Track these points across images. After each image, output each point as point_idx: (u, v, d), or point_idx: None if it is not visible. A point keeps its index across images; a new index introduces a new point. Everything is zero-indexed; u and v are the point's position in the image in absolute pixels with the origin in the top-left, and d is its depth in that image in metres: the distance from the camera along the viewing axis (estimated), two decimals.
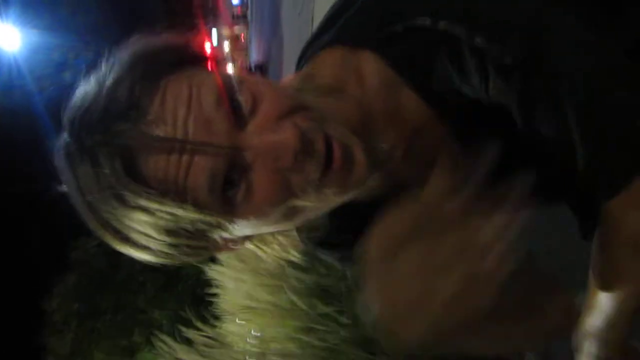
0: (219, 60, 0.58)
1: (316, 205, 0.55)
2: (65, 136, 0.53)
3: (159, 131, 0.49)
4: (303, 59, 0.66)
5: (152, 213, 0.50)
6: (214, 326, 3.01)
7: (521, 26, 0.51)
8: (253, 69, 19.08)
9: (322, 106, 0.56)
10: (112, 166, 0.49)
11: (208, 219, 0.52)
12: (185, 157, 0.50)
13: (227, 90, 0.52)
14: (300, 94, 0.58)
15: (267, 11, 17.24)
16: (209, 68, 0.56)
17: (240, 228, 0.56)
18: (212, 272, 3.36)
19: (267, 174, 0.52)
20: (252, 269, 2.86)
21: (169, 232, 0.51)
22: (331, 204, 0.57)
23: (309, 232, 0.71)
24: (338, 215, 0.62)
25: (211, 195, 0.51)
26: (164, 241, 0.52)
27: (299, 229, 0.69)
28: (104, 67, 0.53)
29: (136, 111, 0.50)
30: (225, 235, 0.56)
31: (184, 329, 2.88)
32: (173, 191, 0.50)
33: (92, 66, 0.55)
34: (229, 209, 0.53)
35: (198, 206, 0.51)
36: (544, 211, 0.71)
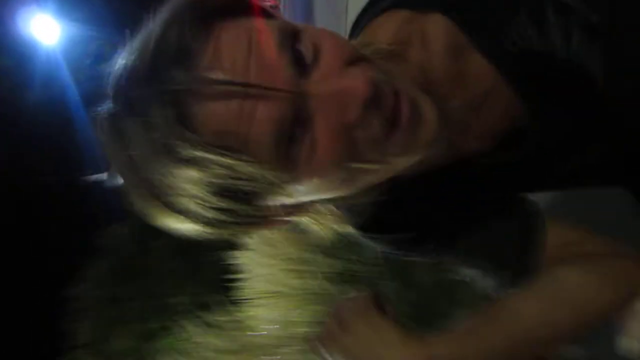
0: (272, 13, 0.53)
1: (379, 168, 0.52)
2: (109, 104, 0.50)
3: (216, 75, 0.46)
4: (358, 27, 0.64)
5: (207, 167, 0.45)
6: (240, 311, 3.00)
7: None
8: None
9: (386, 65, 0.52)
10: (163, 115, 0.45)
11: (269, 175, 0.47)
12: (247, 104, 0.45)
13: (289, 37, 0.48)
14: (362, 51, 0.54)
15: (300, 3, 17.31)
16: (263, 16, 0.52)
17: (300, 191, 0.51)
18: (242, 257, 3.36)
19: (332, 126, 0.48)
20: (282, 253, 2.85)
21: (223, 192, 0.47)
22: (395, 168, 0.52)
23: (356, 213, 0.67)
24: (390, 193, 0.58)
25: (276, 149, 0.47)
26: (216, 205, 0.48)
27: (346, 210, 0.65)
28: (145, 28, 0.49)
29: (188, 55, 0.46)
30: (281, 201, 0.52)
31: (209, 314, 2.88)
32: (233, 142, 0.46)
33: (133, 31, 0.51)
34: (291, 167, 0.48)
35: (259, 160, 0.46)
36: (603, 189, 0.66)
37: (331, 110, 0.47)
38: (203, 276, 7.29)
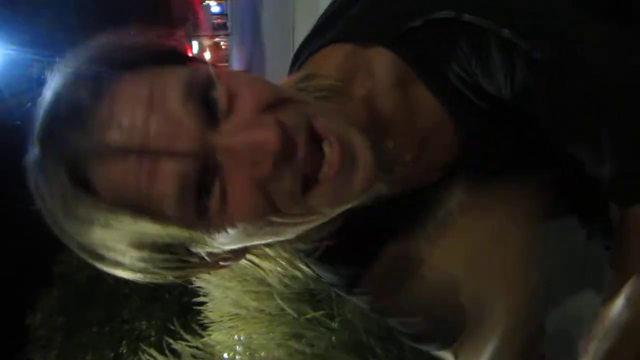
0: (190, 56, 0.51)
1: (307, 219, 0.49)
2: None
3: (112, 135, 0.43)
4: (298, 61, 0.61)
5: (112, 227, 0.44)
6: (201, 336, 2.96)
7: (550, 22, 0.50)
8: None
9: (319, 103, 0.51)
10: (58, 177, 0.44)
11: (177, 232, 0.45)
12: (146, 163, 0.43)
13: (198, 85, 0.45)
14: (290, 88, 0.53)
15: (248, 21, 17.25)
16: (173, 64, 0.48)
17: (222, 242, 0.48)
18: (198, 280, 3.32)
19: (242, 181, 0.45)
20: (238, 275, 2.84)
21: (140, 247, 0.45)
22: (328, 215, 0.50)
23: (305, 244, 0.62)
24: (341, 225, 0.56)
25: (182, 205, 0.44)
26: (138, 257, 0.46)
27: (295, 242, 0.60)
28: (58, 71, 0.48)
29: (83, 114, 0.43)
30: (210, 249, 0.50)
31: (171, 340, 2.84)
32: (134, 202, 0.43)
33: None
34: (203, 220, 0.45)
35: (166, 218, 0.44)
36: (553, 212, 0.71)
37: (240, 164, 0.44)
38: (163, 300, 7.17)
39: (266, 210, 0.46)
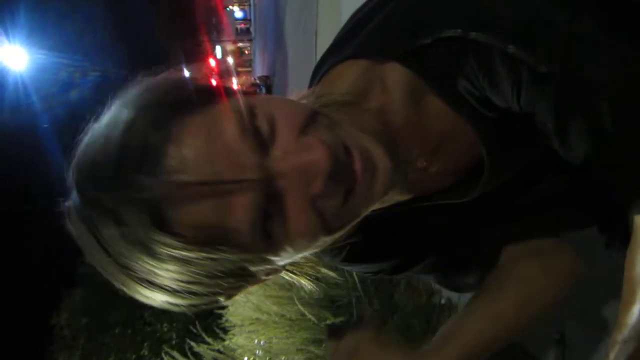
0: (228, 88, 0.53)
1: (347, 226, 0.53)
2: (75, 197, 0.48)
3: (185, 177, 0.45)
4: (318, 74, 0.64)
5: (190, 263, 0.46)
6: (222, 339, 2.99)
7: (554, 36, 0.51)
8: (257, 82, 19.24)
9: (338, 116, 0.54)
10: (139, 220, 0.44)
11: (252, 256, 0.49)
12: (221, 199, 0.45)
13: (245, 119, 0.48)
14: (311, 105, 0.56)
15: (271, 26, 17.39)
16: (221, 100, 0.51)
17: (279, 259, 0.52)
18: None
19: (300, 200, 0.48)
20: None
21: (209, 276, 0.48)
22: (359, 217, 0.54)
23: (332, 249, 0.70)
24: (362, 228, 0.59)
25: (254, 232, 0.47)
26: (204, 284, 0.48)
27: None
28: (108, 114, 0.49)
29: (154, 159, 0.45)
30: (269, 266, 0.53)
31: (193, 343, 2.87)
32: (213, 235, 0.46)
33: (95, 112, 0.51)
34: (270, 243, 0.49)
35: (240, 246, 0.47)
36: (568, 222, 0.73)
37: (298, 184, 0.48)
38: None
39: (320, 226, 0.50)
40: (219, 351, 2.72)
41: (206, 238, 0.46)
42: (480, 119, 0.56)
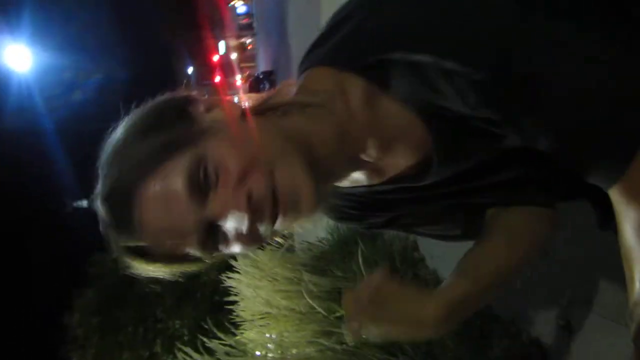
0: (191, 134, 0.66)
1: (284, 232, 0.70)
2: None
3: (146, 232, 0.65)
4: (302, 67, 0.75)
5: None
6: (233, 334, 3.02)
7: (489, 43, 0.56)
8: (261, 77, 19.24)
9: (283, 151, 0.65)
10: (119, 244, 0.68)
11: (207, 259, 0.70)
12: (174, 241, 0.66)
13: (194, 174, 0.63)
14: (289, 100, 0.70)
15: (274, 21, 17.38)
16: (176, 155, 0.64)
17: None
18: (229, 280, 3.38)
19: (234, 233, 0.65)
20: (268, 275, 2.88)
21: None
22: (300, 222, 0.68)
23: (327, 212, 0.86)
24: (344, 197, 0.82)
25: (205, 253, 0.67)
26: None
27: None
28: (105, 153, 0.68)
29: (126, 220, 0.64)
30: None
31: (204, 338, 2.90)
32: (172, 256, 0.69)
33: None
34: (219, 252, 0.68)
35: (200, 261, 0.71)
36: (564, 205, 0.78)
37: (230, 223, 0.64)
38: (194, 299, 7.29)
39: (257, 242, 0.67)
40: (230, 346, 2.75)
41: (167, 260, 0.69)
42: (431, 117, 0.64)
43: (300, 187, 0.63)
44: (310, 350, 2.54)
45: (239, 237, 0.65)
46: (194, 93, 0.72)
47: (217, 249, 0.67)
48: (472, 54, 0.57)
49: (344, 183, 0.78)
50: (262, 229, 0.65)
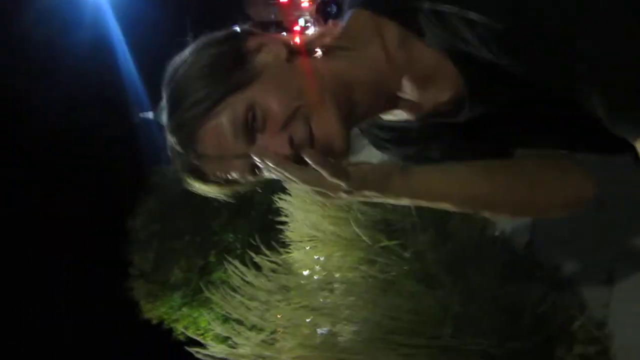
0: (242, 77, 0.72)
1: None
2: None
3: (202, 166, 0.75)
4: (348, 5, 0.79)
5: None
6: (279, 253, 3.15)
7: None
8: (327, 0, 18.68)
9: (316, 91, 0.71)
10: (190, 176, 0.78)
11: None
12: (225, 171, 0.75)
13: (241, 120, 0.70)
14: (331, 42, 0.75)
15: None
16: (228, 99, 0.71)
17: None
18: (282, 202, 3.49)
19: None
20: (319, 200, 2.95)
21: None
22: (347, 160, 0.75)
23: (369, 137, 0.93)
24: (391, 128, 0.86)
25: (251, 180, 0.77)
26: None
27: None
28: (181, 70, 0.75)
29: (192, 151, 0.74)
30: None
31: (253, 254, 3.04)
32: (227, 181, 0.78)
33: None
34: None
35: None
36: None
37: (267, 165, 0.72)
38: (248, 216, 7.56)
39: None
40: (276, 263, 2.88)
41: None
42: (460, 58, 0.67)
43: (334, 136, 0.71)
44: (352, 275, 2.64)
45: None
46: (249, 27, 0.78)
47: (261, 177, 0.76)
48: (493, 4, 0.59)
49: (390, 117, 0.83)
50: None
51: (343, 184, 0.72)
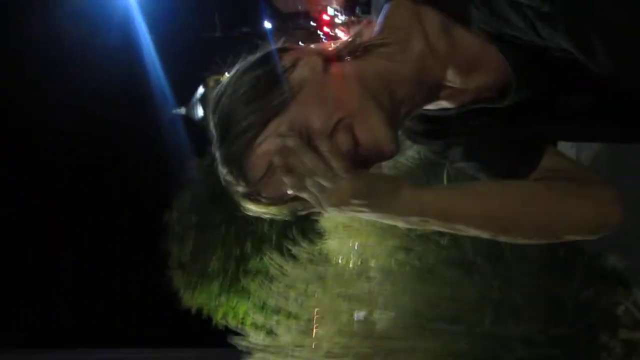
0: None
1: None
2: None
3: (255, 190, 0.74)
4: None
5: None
6: (315, 244, 3.17)
7: None
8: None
9: (356, 97, 0.70)
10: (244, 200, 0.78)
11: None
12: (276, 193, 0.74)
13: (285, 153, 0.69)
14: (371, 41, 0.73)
15: None
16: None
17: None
18: None
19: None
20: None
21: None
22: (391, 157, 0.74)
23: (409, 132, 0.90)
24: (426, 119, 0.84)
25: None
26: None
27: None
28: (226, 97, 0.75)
29: (244, 180, 0.74)
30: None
31: (289, 245, 3.07)
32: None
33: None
34: None
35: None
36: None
37: None
38: None
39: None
40: (313, 255, 2.91)
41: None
42: (505, 43, 0.66)
43: (381, 140, 0.69)
44: (389, 262, 2.64)
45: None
46: (283, 44, 0.77)
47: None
48: None
49: (429, 106, 0.80)
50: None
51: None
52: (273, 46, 0.77)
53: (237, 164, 0.73)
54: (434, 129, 0.86)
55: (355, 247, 2.96)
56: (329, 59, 0.73)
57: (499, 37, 0.65)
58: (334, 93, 0.71)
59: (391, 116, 0.71)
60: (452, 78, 0.74)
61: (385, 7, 0.75)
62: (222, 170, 0.76)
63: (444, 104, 0.79)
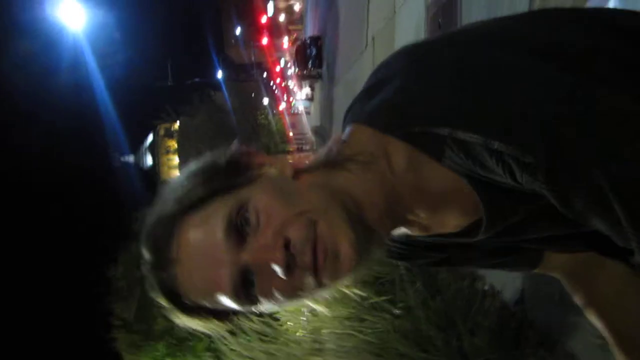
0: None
1: (322, 288, 0.67)
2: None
3: (179, 268, 0.66)
4: (346, 119, 0.75)
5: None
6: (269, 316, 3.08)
7: (538, 123, 0.53)
8: (308, 42, 19.03)
9: (325, 207, 0.66)
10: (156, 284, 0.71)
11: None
12: (208, 280, 0.67)
13: (234, 219, 0.65)
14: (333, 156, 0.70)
15: None
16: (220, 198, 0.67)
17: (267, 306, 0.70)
18: None
19: (270, 279, 0.64)
20: None
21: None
22: (339, 281, 0.68)
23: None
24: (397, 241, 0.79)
25: (237, 299, 0.67)
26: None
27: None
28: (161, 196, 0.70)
29: (164, 251, 0.67)
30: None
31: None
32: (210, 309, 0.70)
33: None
34: (251, 303, 0.68)
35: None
36: None
37: (263, 270, 0.65)
38: None
39: (292, 290, 0.66)
40: (263, 331, 2.81)
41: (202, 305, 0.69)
42: (479, 183, 0.63)
43: (342, 241, 0.64)
44: (342, 332, 2.58)
45: (277, 282, 0.64)
46: (252, 150, 0.74)
47: (252, 300, 0.67)
48: (521, 136, 0.54)
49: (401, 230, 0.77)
50: (303, 278, 0.64)
51: None
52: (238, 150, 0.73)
53: (167, 229, 0.67)
54: (410, 250, 0.83)
55: (305, 317, 2.89)
56: (299, 170, 0.71)
57: (473, 178, 0.62)
58: (300, 194, 0.67)
59: (357, 225, 0.66)
60: (419, 212, 0.70)
61: (349, 129, 0.72)
62: (146, 244, 0.69)
63: (411, 232, 0.75)
